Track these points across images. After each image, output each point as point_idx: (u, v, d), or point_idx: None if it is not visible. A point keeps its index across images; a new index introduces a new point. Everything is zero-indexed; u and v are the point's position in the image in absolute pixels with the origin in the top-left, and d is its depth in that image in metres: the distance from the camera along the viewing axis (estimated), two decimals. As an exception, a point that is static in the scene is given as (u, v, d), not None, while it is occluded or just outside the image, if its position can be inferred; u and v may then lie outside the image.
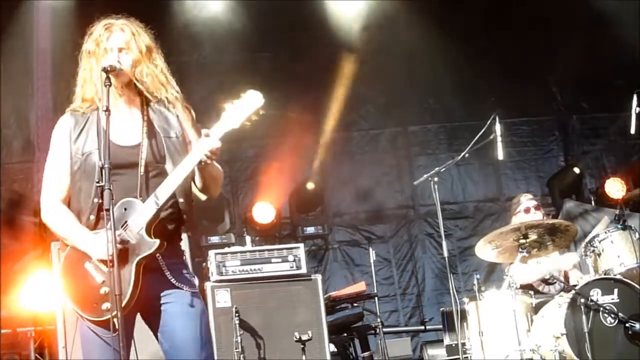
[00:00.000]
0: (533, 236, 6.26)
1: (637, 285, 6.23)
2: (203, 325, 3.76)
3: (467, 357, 6.55)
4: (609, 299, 6.16)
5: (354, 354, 8.12)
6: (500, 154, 7.07)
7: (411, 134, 10.70)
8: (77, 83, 3.89)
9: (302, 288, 6.80)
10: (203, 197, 3.93)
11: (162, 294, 3.71)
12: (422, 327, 9.90)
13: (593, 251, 6.65)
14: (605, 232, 6.65)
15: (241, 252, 6.94)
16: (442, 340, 7.94)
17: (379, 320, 7.94)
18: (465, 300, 6.68)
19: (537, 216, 7.00)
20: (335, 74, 9.99)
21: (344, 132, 10.46)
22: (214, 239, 9.33)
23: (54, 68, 9.04)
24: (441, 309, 8.08)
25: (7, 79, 8.96)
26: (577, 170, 10.57)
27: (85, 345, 3.77)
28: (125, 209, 3.67)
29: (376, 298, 8.33)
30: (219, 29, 9.79)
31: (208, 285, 6.66)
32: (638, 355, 6.06)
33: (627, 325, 6.08)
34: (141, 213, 3.65)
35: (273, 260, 6.87)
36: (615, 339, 6.10)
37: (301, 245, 7.06)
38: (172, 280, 3.73)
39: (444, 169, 7.06)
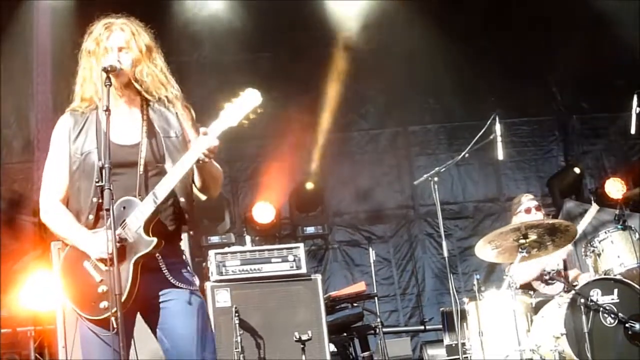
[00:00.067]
0: (533, 236, 6.25)
1: (637, 286, 6.23)
2: (203, 323, 3.75)
3: (467, 357, 6.54)
4: (609, 299, 6.16)
5: (353, 354, 8.11)
6: (500, 154, 7.05)
7: (411, 134, 10.69)
8: (76, 82, 3.89)
9: (302, 288, 6.80)
10: (203, 197, 3.92)
11: (161, 293, 3.71)
12: (422, 327, 9.89)
13: (593, 251, 6.66)
14: (605, 232, 6.66)
15: (241, 252, 6.94)
16: (442, 340, 7.92)
17: (378, 320, 7.92)
18: (465, 300, 6.67)
19: (537, 216, 6.99)
20: (335, 74, 9.99)
21: (344, 132, 10.46)
22: (214, 239, 9.32)
23: (54, 68, 9.04)
24: (441, 309, 8.07)
25: (7, 79, 8.96)
26: (577, 170, 10.56)
27: (84, 345, 3.77)
28: (124, 208, 3.67)
29: (376, 298, 8.32)
30: (218, 29, 9.79)
31: (208, 285, 6.67)
32: (638, 356, 6.06)
33: (627, 325, 6.08)
34: (140, 211, 3.65)
35: (273, 260, 6.87)
36: (615, 339, 6.10)
37: (301, 245, 7.06)
38: (171, 279, 3.72)
39: (444, 169, 7.04)
